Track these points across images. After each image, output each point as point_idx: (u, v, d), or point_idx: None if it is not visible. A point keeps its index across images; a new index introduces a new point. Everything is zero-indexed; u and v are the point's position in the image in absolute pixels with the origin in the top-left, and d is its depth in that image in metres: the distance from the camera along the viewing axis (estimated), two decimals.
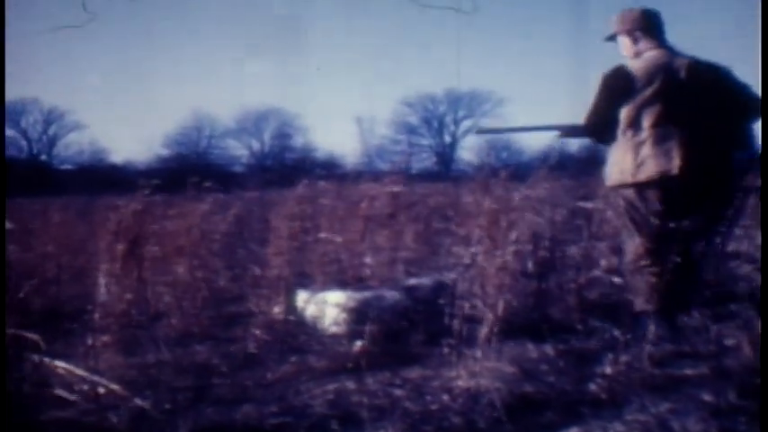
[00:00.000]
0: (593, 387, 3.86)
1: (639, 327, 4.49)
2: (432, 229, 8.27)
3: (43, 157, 65.12)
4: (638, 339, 4.21)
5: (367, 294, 5.09)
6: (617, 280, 5.73)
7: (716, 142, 5.01)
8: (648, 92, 5.06)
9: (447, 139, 67.26)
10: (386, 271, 6.12)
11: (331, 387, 4.00)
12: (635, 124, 5.08)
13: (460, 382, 3.83)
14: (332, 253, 6.14)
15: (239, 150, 66.73)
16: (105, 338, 4.56)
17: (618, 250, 6.21)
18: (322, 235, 6.18)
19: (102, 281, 4.90)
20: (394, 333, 4.77)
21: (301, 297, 5.32)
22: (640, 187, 5.02)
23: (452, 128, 67.89)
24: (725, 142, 5.06)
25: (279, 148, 64.03)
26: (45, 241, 7.62)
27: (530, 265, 5.58)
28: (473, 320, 4.06)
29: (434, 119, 67.52)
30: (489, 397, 3.66)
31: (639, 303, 4.92)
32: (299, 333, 5.01)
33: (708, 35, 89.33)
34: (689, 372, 4.13)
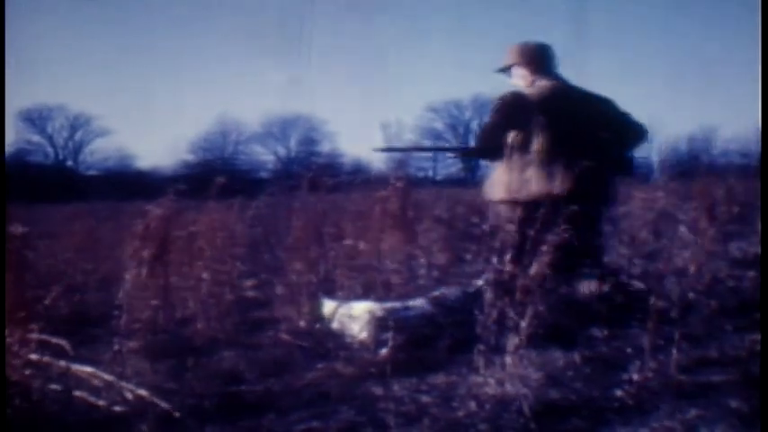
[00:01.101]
0: (619, 394, 3.86)
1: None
2: (458, 236, 8.25)
3: (69, 164, 65.38)
4: (665, 346, 4.21)
5: (394, 304, 5.09)
6: (640, 285, 5.72)
7: (597, 167, 5.25)
8: (540, 117, 5.41)
9: (473, 144, 67.07)
10: (412, 278, 6.12)
11: (358, 393, 4.01)
12: (524, 146, 5.43)
13: (487, 389, 3.83)
14: (357, 259, 6.13)
15: (265, 156, 66.79)
16: (132, 344, 4.58)
17: (646, 255, 6.20)
18: (347, 242, 6.18)
19: (128, 286, 4.92)
20: (420, 340, 4.77)
21: (327, 306, 5.32)
22: (524, 204, 5.33)
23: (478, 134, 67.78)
24: (605, 167, 5.47)
25: (305, 154, 63.95)
26: (71, 247, 7.66)
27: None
28: (500, 327, 4.06)
29: (460, 125, 67.35)
30: (516, 403, 3.65)
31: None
32: (325, 340, 5.00)
33: (708, 36, 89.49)
34: (717, 378, 4.11)
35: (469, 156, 6.00)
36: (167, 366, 4.58)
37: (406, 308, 5.04)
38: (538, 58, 5.79)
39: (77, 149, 65.77)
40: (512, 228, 5.29)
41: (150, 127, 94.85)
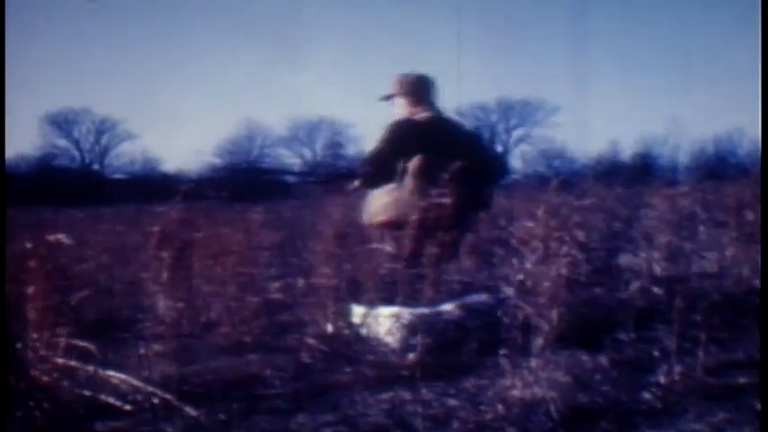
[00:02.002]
0: (647, 396, 3.84)
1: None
2: (483, 239, 8.23)
3: (95, 167, 65.64)
4: (692, 348, 4.20)
5: (423, 309, 5.08)
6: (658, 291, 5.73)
7: (477, 196, 5.91)
8: (430, 146, 5.73)
9: (499, 148, 67.05)
10: (439, 282, 6.11)
11: (385, 397, 4.00)
12: (425, 173, 5.71)
13: (515, 392, 3.82)
14: (383, 263, 6.12)
15: (291, 159, 67.06)
16: (158, 348, 4.58)
17: (669, 257, 6.17)
18: (373, 245, 6.17)
19: (153, 290, 4.93)
20: (449, 344, 4.77)
21: (355, 312, 5.31)
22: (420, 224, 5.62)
23: (504, 137, 67.84)
24: (471, 198, 5.85)
25: (331, 158, 64.09)
26: (97, 250, 7.67)
27: (583, 274, 5.58)
28: (527, 330, 4.05)
29: (486, 128, 67.24)
30: (544, 407, 3.64)
31: None
32: (352, 344, 5.00)
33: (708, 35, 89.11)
34: (744, 381, 4.10)
35: (336, 181, 6.18)
36: (193, 370, 4.59)
37: (436, 313, 5.04)
38: (417, 90, 6.04)
39: (103, 153, 66.08)
40: (395, 247, 5.50)
41: (176, 130, 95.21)
